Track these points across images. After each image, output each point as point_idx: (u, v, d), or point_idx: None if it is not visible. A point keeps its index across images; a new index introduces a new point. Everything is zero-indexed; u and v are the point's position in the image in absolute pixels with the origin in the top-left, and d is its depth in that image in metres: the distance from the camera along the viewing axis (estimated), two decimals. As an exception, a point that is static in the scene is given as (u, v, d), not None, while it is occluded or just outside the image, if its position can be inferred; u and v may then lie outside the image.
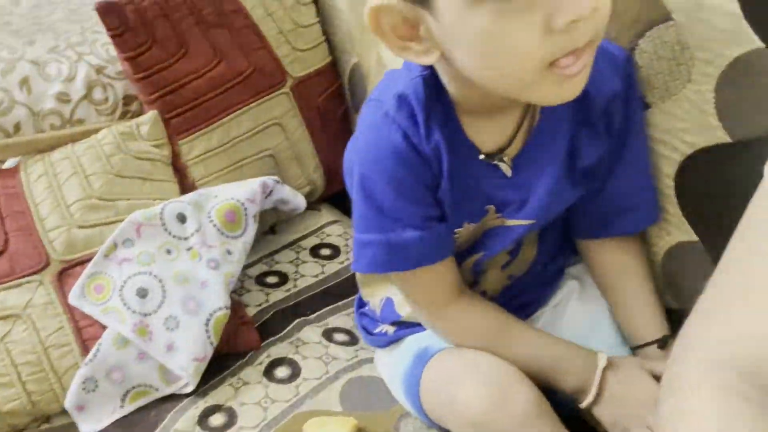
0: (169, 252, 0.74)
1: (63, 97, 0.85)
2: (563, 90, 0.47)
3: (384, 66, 0.84)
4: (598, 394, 0.58)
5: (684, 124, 0.57)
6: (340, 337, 0.75)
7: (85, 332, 0.70)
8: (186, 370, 0.68)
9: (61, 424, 0.69)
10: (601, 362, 0.59)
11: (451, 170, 0.54)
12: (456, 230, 0.59)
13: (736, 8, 0.50)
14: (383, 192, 0.54)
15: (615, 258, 0.64)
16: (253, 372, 0.71)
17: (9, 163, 0.83)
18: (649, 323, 0.62)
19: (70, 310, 0.70)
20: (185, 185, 0.82)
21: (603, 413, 0.58)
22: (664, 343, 0.60)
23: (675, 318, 0.63)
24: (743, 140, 0.53)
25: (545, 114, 0.56)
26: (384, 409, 0.65)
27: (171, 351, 0.69)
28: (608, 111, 0.57)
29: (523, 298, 0.68)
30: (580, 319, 0.67)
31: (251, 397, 0.68)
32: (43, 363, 0.68)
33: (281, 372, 0.71)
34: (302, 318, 0.78)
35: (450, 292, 0.60)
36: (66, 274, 0.72)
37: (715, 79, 0.54)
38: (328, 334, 0.75)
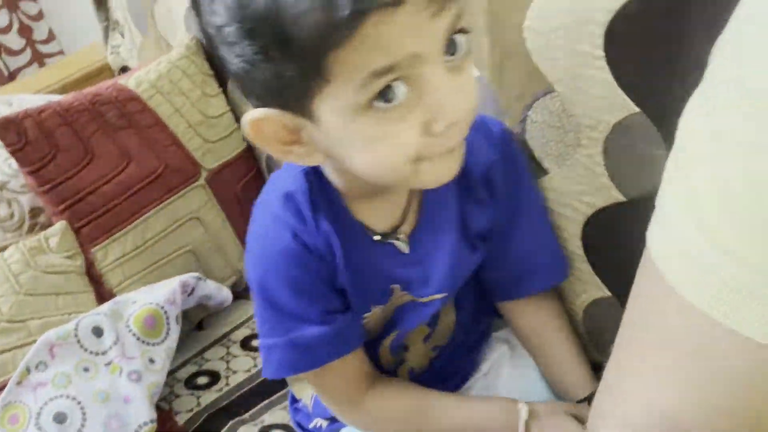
0: (86, 370, 0.70)
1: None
2: (441, 175, 0.49)
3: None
4: None
5: (581, 186, 0.59)
6: (277, 434, 0.73)
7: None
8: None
9: None
10: (523, 414, 0.58)
11: (346, 257, 0.55)
12: (365, 315, 0.59)
13: (609, 77, 0.53)
14: (281, 293, 0.54)
15: (534, 318, 0.65)
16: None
17: None
18: (578, 382, 0.62)
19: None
20: (102, 293, 0.80)
21: None
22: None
23: (601, 371, 0.63)
24: (636, 198, 0.55)
25: (430, 190, 0.56)
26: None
27: None
28: (488, 179, 0.59)
29: (452, 368, 0.67)
30: (514, 384, 0.67)
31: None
32: None
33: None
34: (237, 419, 0.74)
35: (363, 382, 0.60)
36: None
37: (601, 142, 0.56)
38: (265, 432, 0.72)
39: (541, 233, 0.62)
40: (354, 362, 0.58)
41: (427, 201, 0.58)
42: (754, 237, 0.31)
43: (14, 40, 1.86)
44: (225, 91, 0.96)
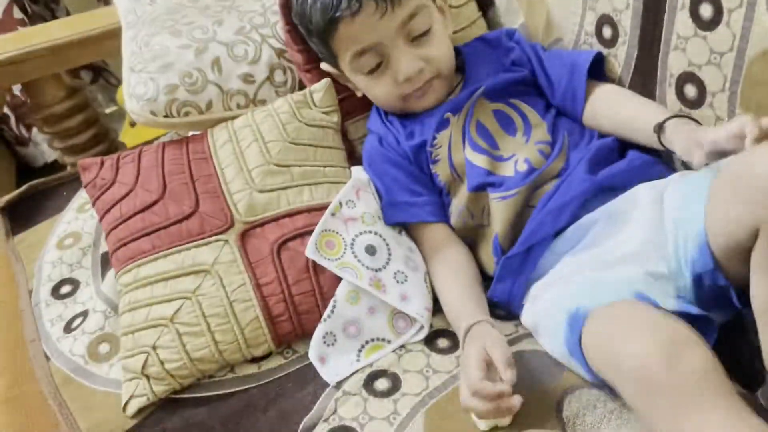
0: (380, 218, 0.80)
1: (249, 78, 0.90)
2: (424, 103, 0.84)
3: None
4: None
5: None
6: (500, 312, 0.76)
7: (265, 289, 0.75)
8: (422, 316, 0.73)
9: (243, 374, 0.75)
10: (463, 326, 0.68)
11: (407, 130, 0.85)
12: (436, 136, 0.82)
13: None
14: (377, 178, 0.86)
15: (603, 101, 0.79)
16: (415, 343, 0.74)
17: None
18: (652, 114, 0.72)
19: (252, 269, 0.75)
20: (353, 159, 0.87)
21: None
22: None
23: None
24: None
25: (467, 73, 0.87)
26: (545, 386, 0.64)
27: (405, 300, 0.74)
28: (508, 49, 0.88)
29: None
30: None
31: (414, 365, 0.70)
32: (229, 316, 0.74)
33: (442, 342, 0.73)
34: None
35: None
36: (248, 234, 0.77)
37: None
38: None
39: (567, 55, 0.84)
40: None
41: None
42: None
43: None
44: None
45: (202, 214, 0.78)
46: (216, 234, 0.77)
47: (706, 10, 0.65)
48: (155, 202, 0.80)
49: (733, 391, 0.52)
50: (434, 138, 0.81)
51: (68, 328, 0.84)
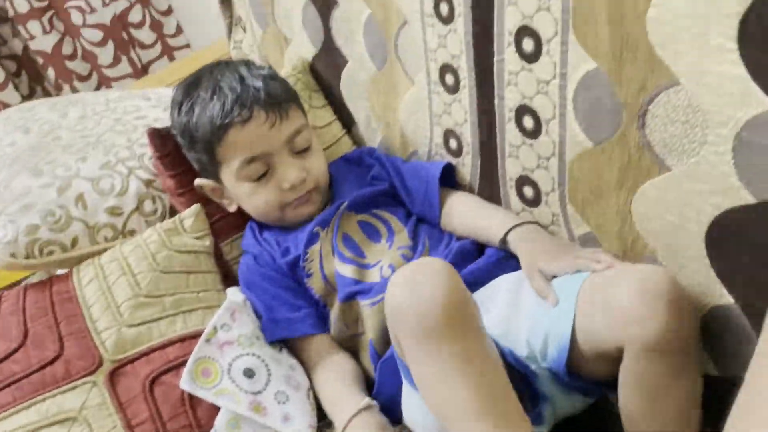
0: (258, 338, 0.79)
1: (116, 211, 0.91)
2: (301, 213, 0.87)
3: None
4: None
5: (706, 186, 0.57)
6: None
7: (138, 430, 0.72)
8: (305, 434, 0.72)
9: None
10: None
11: (279, 244, 0.88)
12: (308, 251, 0.84)
13: (743, 71, 0.50)
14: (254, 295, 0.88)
15: (455, 210, 0.86)
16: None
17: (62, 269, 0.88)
18: (498, 224, 0.79)
19: (123, 410, 0.72)
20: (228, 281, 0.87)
21: None
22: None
23: (715, 386, 0.60)
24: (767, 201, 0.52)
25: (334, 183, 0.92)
26: None
27: (288, 421, 0.73)
28: (369, 166, 0.95)
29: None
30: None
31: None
32: (101, 463, 0.70)
33: None
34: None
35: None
36: (117, 373, 0.75)
37: (731, 140, 0.53)
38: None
39: (419, 167, 0.91)
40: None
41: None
42: None
43: (146, 35, 2.01)
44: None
45: (68, 357, 0.75)
46: (83, 377, 0.74)
47: (528, 122, 0.74)
48: (15, 351, 0.76)
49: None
50: (306, 253, 0.84)
51: None
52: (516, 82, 0.72)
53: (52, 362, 0.75)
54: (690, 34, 0.52)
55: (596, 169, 0.68)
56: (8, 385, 0.74)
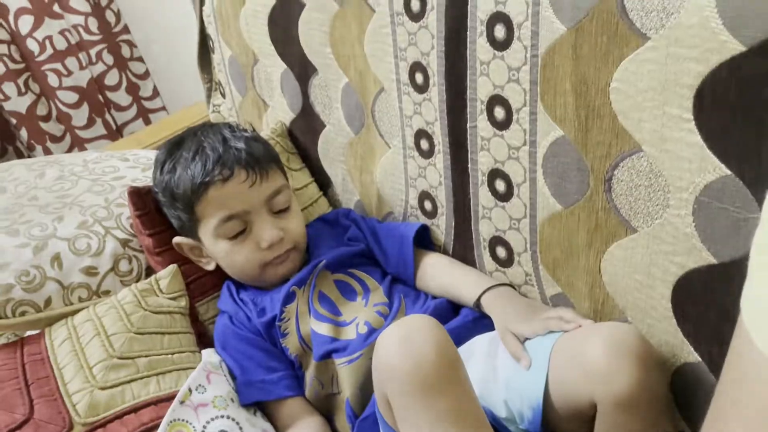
0: (233, 400, 0.78)
1: (91, 271, 0.90)
2: (280, 272, 0.88)
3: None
4: None
5: (671, 247, 0.60)
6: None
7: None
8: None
9: None
10: None
11: (256, 304, 0.87)
12: (284, 309, 0.84)
13: (699, 139, 0.54)
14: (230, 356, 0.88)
15: (429, 270, 0.88)
16: None
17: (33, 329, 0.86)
18: (471, 286, 0.82)
19: (93, 476, 0.70)
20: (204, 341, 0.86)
21: None
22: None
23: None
24: (728, 261, 0.55)
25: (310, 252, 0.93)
26: None
27: None
28: (345, 227, 0.97)
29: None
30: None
31: None
32: None
33: None
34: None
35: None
36: (88, 437, 0.73)
37: (691, 203, 0.56)
38: None
39: (395, 229, 0.92)
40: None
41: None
42: None
43: (122, 97, 2.04)
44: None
45: (37, 421, 0.73)
46: (52, 441, 0.72)
47: (500, 185, 0.77)
48: (-19, 415, 0.74)
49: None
50: (282, 312, 0.84)
51: None
52: (488, 147, 0.76)
53: (20, 426, 0.72)
54: (651, 104, 0.56)
55: (566, 231, 0.71)
56: (-28, 452, 0.71)
